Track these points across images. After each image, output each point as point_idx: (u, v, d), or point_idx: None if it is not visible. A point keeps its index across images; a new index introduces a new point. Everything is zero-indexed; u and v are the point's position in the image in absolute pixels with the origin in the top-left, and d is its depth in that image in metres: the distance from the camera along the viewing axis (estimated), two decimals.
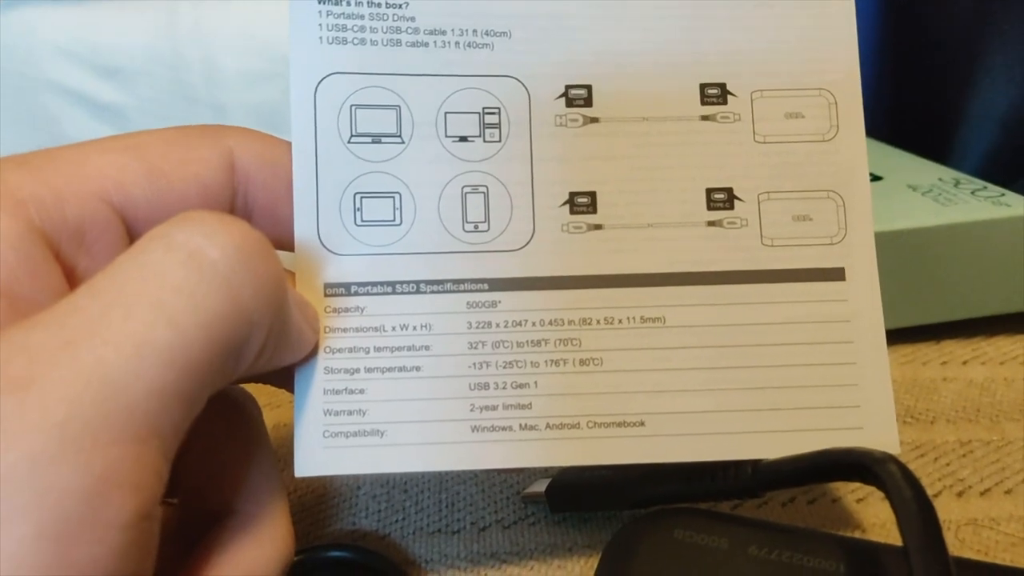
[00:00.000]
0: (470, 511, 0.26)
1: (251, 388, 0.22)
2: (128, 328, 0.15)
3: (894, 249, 0.32)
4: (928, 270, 0.33)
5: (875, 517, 0.25)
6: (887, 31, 0.49)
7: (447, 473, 0.27)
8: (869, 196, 0.23)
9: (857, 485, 0.26)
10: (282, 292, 0.18)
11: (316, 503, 0.26)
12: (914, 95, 0.50)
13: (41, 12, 0.43)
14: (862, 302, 0.23)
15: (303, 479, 0.21)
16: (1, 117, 0.45)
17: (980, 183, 0.36)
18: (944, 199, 0.34)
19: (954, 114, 0.47)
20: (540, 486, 0.25)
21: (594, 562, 0.24)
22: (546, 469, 0.26)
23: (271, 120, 0.44)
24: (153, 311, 0.15)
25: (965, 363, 0.33)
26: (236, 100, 0.44)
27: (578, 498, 0.25)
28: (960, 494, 0.26)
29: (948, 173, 0.37)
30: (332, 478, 0.27)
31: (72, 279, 0.19)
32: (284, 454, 0.22)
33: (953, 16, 0.46)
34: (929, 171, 0.38)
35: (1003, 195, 0.34)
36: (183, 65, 0.45)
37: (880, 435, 0.22)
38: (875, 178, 0.37)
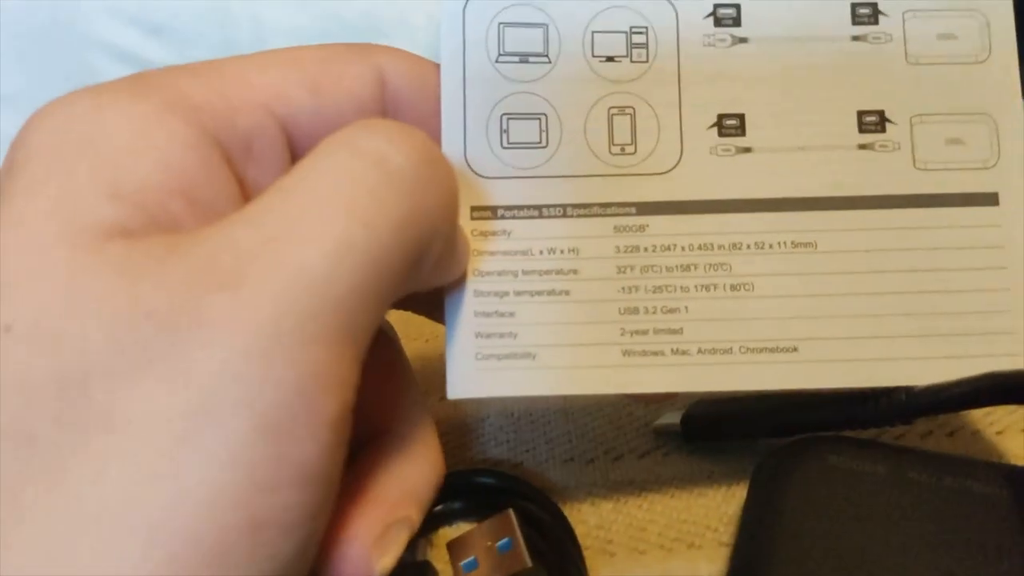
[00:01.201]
0: (601, 441, 0.26)
1: None
2: (327, 228, 0.15)
3: None
4: None
5: (1018, 449, 0.25)
6: None
7: (573, 404, 0.27)
8: (1023, 119, 0.23)
9: (996, 418, 0.25)
10: (457, 202, 0.18)
11: (443, 433, 0.26)
12: None
13: None
14: (1015, 227, 0.22)
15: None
16: (46, 74, 0.45)
17: None
18: None
19: None
20: (672, 417, 0.25)
21: (735, 490, 0.24)
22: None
23: None
24: (348, 212, 0.15)
25: None
26: None
27: (715, 427, 0.25)
28: None
29: None
30: (456, 408, 0.27)
31: (241, 188, 0.19)
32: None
33: None
34: None
35: None
36: (230, 22, 0.44)
37: None
38: None
